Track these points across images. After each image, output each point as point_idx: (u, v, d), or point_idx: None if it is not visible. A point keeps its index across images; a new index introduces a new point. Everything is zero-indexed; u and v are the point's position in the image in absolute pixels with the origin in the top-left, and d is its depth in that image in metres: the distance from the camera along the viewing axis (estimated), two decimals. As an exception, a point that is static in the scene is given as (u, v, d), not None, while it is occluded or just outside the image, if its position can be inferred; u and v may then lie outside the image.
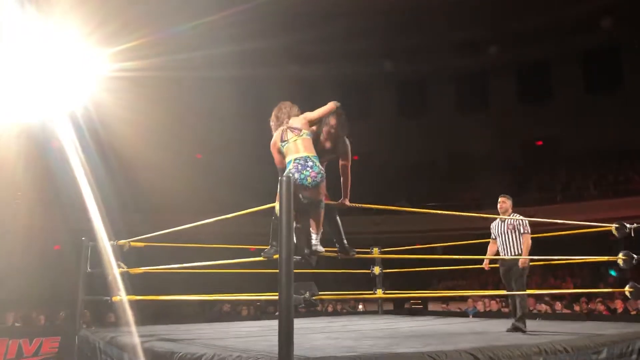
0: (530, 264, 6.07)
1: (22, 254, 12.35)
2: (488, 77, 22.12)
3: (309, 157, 4.13)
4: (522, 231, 5.81)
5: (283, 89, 21.07)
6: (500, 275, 6.07)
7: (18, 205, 13.98)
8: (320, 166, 4.14)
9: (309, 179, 4.03)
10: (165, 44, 14.46)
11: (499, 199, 6.08)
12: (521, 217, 5.89)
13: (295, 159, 4.11)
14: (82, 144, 10.25)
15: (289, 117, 4.39)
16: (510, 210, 5.99)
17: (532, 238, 6.02)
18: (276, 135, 4.35)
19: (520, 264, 5.72)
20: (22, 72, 8.96)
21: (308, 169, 4.07)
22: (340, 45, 19.47)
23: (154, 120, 15.58)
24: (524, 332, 5.40)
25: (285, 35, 17.55)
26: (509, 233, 5.85)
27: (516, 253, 5.79)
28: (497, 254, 6.01)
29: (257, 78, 20.39)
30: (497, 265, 6.11)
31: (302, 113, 4.45)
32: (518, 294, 5.69)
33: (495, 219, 6.16)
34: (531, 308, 10.07)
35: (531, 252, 5.85)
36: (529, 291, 6.40)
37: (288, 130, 4.30)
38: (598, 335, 4.82)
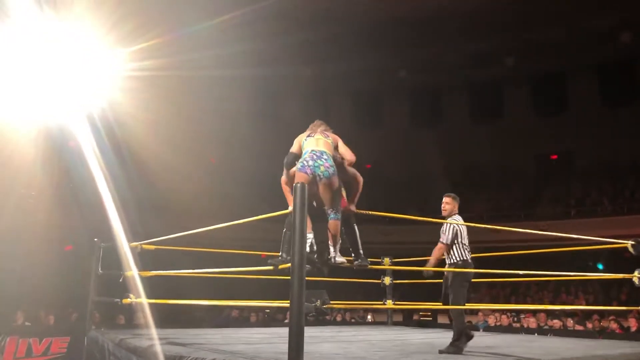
0: (544, 279, 5.95)
1: (37, 253, 12.44)
2: (502, 88, 22.00)
3: (325, 152, 4.33)
4: (440, 237, 5.09)
5: (297, 93, 21.18)
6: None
7: (33, 204, 14.09)
8: (333, 163, 4.21)
9: (322, 168, 4.17)
10: (180, 44, 14.53)
11: (443, 199, 5.36)
12: (455, 222, 5.09)
13: (312, 150, 4.33)
14: (99, 144, 10.34)
15: (321, 128, 4.65)
16: (452, 213, 5.25)
17: (545, 253, 5.85)
18: (305, 132, 4.61)
19: (425, 272, 5.01)
20: (39, 73, 9.06)
21: (323, 159, 4.24)
22: (354, 53, 19.48)
23: (169, 121, 15.66)
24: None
25: (299, 38, 17.59)
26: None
27: (449, 262, 5.08)
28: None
29: (271, 80, 20.44)
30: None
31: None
32: (453, 310, 4.96)
33: (504, 231, 5.98)
34: (542, 324, 9.95)
35: (543, 267, 5.63)
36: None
37: (318, 132, 4.56)
38: (611, 354, 4.75)
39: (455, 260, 5.04)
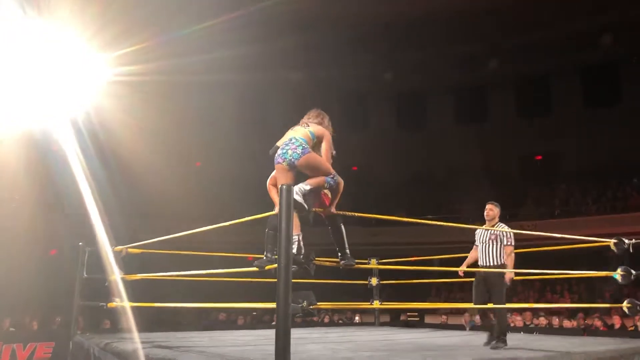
0: (529, 277, 6.02)
1: (20, 258, 12.31)
2: (487, 91, 22.20)
3: (295, 137, 4.23)
4: (505, 242, 5.61)
5: (282, 96, 21.17)
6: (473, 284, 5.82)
7: (17, 208, 13.95)
8: (305, 145, 4.15)
9: (290, 152, 4.10)
10: (165, 49, 14.48)
11: (487, 206, 5.85)
12: (507, 228, 5.66)
13: (285, 141, 4.24)
14: (83, 148, 10.25)
15: (306, 118, 4.57)
16: (496, 219, 5.77)
17: (530, 252, 5.97)
18: None
19: (507, 279, 5.52)
20: (23, 77, 8.97)
21: (290, 144, 4.17)
22: (340, 56, 19.55)
23: (154, 125, 15.59)
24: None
25: (285, 42, 17.62)
26: (490, 242, 5.64)
27: (495, 264, 5.57)
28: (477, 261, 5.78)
29: (256, 84, 20.44)
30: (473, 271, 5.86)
31: (326, 125, 4.56)
32: (499, 310, 5.44)
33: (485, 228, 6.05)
34: (527, 322, 10.04)
35: (528, 266, 5.77)
36: (509, 305, 6.18)
37: (301, 122, 4.49)
38: (595, 351, 4.80)
39: (500, 262, 5.55)
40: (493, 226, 5.72)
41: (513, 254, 5.63)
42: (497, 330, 5.33)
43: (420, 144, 22.04)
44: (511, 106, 21.76)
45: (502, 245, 5.60)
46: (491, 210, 5.80)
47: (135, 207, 15.44)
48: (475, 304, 5.67)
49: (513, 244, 5.65)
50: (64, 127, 9.93)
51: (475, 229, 5.96)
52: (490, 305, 5.48)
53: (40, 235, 14.16)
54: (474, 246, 5.96)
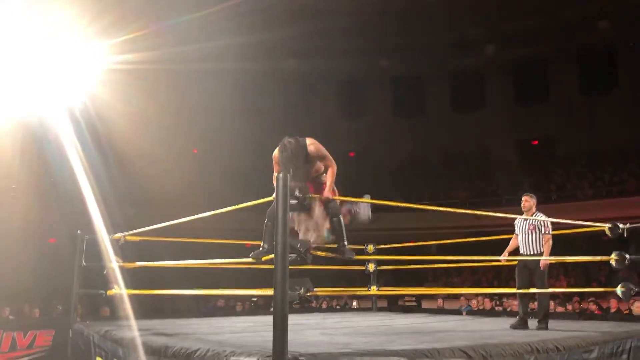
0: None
1: (19, 247, 12.33)
2: (484, 76, 22.14)
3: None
4: (543, 231, 5.89)
5: (280, 83, 21.12)
6: (515, 270, 6.14)
7: (14, 198, 13.95)
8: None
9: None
10: (163, 36, 14.38)
11: (523, 198, 6.17)
12: (544, 218, 5.94)
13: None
14: (79, 137, 10.23)
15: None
16: (533, 209, 6.04)
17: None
18: None
19: (541, 265, 5.81)
20: (19, 65, 8.92)
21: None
22: (337, 42, 19.46)
23: (151, 114, 15.54)
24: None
25: (283, 30, 17.52)
26: (529, 232, 5.95)
27: (535, 252, 5.87)
28: (518, 249, 6.11)
29: (253, 72, 20.35)
30: (514, 262, 6.19)
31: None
32: (540, 295, 5.85)
33: (486, 216, 6.19)
34: (533, 308, 10.12)
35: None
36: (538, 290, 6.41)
37: None
38: (590, 334, 4.86)
39: (540, 250, 5.85)
40: (531, 216, 6.00)
41: (550, 242, 5.88)
42: (540, 313, 5.74)
43: (417, 130, 22.03)
44: (508, 91, 21.73)
45: (541, 234, 5.89)
46: (527, 201, 6.08)
47: (132, 195, 15.43)
48: (518, 289, 6.01)
49: (550, 232, 5.92)
50: (60, 115, 9.90)
51: (482, 217, 6.12)
52: (488, 290, 5.56)
53: (37, 224, 14.18)
54: (514, 235, 6.25)
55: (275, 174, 4.41)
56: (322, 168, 4.46)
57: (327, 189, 4.27)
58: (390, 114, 22.85)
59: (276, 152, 4.31)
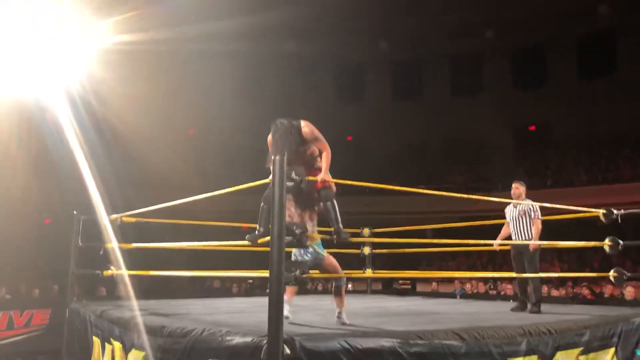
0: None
1: (16, 227, 12.35)
2: (483, 61, 22.06)
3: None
4: (532, 216, 5.96)
5: (278, 66, 20.99)
6: (510, 257, 6.25)
7: (11, 177, 13.92)
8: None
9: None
10: (161, 17, 14.25)
11: (513, 185, 6.23)
12: (531, 203, 6.02)
13: None
14: (77, 117, 10.20)
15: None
16: (523, 196, 6.12)
17: None
18: None
19: (530, 248, 5.88)
20: (14, 44, 8.85)
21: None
22: (336, 25, 19.32)
23: (148, 94, 15.48)
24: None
25: (281, 12, 17.37)
26: (519, 218, 6.02)
27: (527, 237, 5.94)
28: (509, 237, 6.17)
29: (251, 54, 20.24)
30: (507, 247, 6.32)
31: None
32: (532, 279, 5.90)
33: (482, 201, 6.24)
34: (517, 291, 10.21)
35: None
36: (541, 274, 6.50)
37: None
38: (582, 318, 4.92)
39: (530, 236, 5.92)
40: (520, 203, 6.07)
41: (540, 226, 5.96)
42: (533, 298, 5.81)
43: (415, 114, 21.98)
44: (506, 76, 21.66)
45: (530, 219, 5.98)
46: (517, 188, 6.16)
47: (129, 176, 15.43)
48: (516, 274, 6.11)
49: (540, 216, 5.99)
50: (58, 95, 9.85)
51: (478, 202, 6.19)
52: (483, 274, 5.62)
53: (34, 204, 14.19)
54: (505, 222, 6.32)
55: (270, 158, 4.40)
56: (317, 152, 4.45)
57: (322, 172, 4.25)
58: (388, 98, 22.79)
59: (270, 137, 4.31)
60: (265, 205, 4.18)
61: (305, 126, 4.30)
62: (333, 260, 4.51)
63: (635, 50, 18.53)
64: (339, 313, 4.41)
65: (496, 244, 6.34)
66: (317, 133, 4.31)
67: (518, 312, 5.86)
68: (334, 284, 4.59)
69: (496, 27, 19.83)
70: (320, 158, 4.39)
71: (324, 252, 4.46)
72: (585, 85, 19.98)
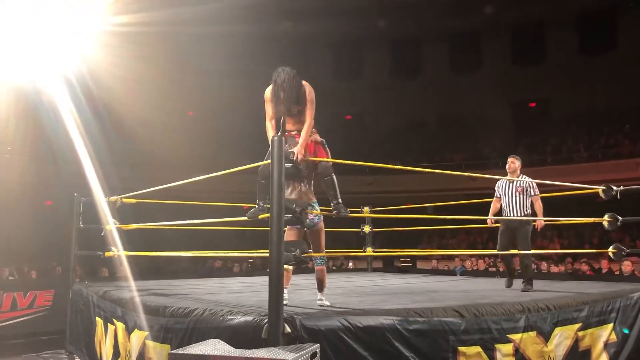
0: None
1: (17, 209, 12.38)
2: (482, 38, 21.87)
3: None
4: (532, 193, 5.88)
5: (275, 45, 20.79)
6: (497, 233, 6.13)
7: (10, 160, 13.92)
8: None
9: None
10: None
11: (509, 159, 6.10)
12: (530, 179, 5.92)
13: None
14: (75, 100, 10.15)
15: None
16: (518, 172, 6.00)
17: None
18: None
19: (538, 227, 5.87)
20: (12, 28, 8.77)
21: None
22: (333, 3, 19.10)
23: (146, 76, 15.39)
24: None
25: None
26: (517, 195, 5.89)
27: (523, 214, 5.85)
28: (500, 212, 6.07)
29: (249, 34, 20.04)
30: (498, 224, 6.20)
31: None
32: (525, 256, 5.90)
33: (482, 178, 6.20)
34: (517, 267, 10.28)
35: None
36: (533, 251, 6.51)
37: None
38: (580, 294, 4.96)
39: (528, 212, 5.84)
40: (516, 178, 5.97)
41: (540, 203, 5.90)
42: (525, 275, 5.81)
43: (414, 92, 21.86)
44: (506, 53, 21.50)
45: (529, 197, 5.88)
46: (513, 163, 6.02)
47: (127, 158, 15.42)
48: (499, 250, 6.06)
49: (539, 193, 5.91)
50: (56, 78, 9.78)
51: (477, 179, 6.12)
52: (482, 251, 5.64)
53: (34, 187, 14.20)
54: (495, 198, 6.19)
55: (267, 123, 4.25)
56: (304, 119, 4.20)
57: (300, 145, 4.03)
58: (387, 76, 22.64)
59: (268, 92, 4.19)
60: (263, 180, 4.07)
61: (307, 85, 4.21)
62: (322, 226, 4.39)
63: (636, 27, 18.37)
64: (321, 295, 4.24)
65: (490, 220, 6.29)
66: (313, 96, 4.18)
67: (512, 287, 5.91)
68: (315, 265, 4.39)
69: (495, 3, 19.62)
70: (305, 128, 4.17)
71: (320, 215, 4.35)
72: (585, 62, 19.85)
